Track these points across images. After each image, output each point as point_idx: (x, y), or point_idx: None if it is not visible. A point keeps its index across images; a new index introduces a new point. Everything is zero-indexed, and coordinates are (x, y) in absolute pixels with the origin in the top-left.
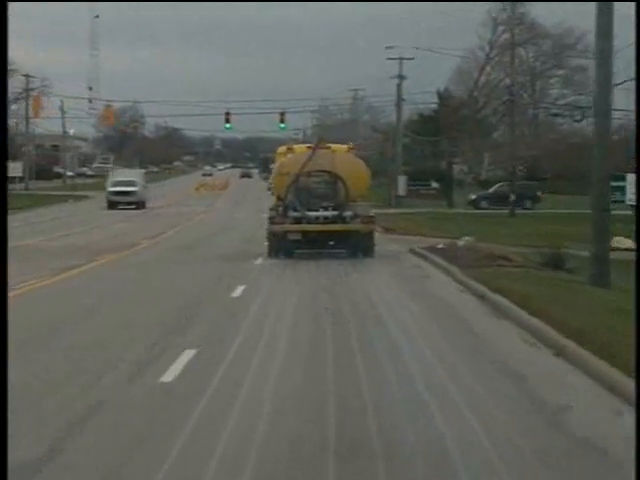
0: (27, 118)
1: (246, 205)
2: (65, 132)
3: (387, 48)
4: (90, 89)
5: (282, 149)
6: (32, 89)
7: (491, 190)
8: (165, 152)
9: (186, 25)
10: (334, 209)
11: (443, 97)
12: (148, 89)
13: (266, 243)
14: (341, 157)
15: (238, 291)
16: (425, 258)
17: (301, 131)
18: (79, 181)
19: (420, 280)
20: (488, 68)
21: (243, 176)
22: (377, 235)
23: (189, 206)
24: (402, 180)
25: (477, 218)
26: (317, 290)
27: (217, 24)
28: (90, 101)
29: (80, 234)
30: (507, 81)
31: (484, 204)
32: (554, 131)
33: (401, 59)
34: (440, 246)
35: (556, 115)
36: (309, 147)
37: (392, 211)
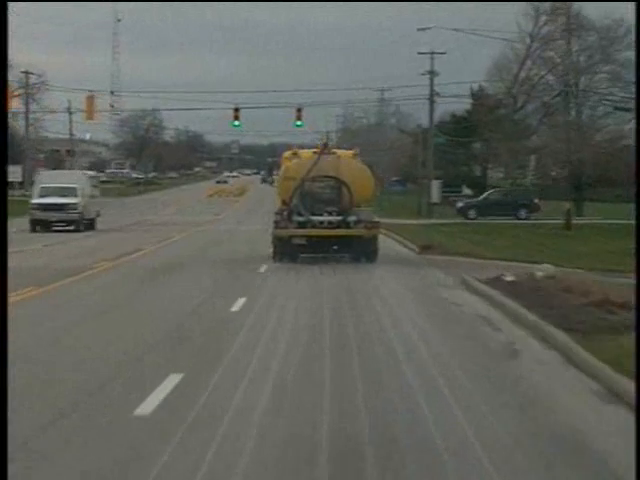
0: (27, 118)
1: (258, 214)
2: (72, 135)
3: (419, 30)
4: (112, 93)
5: (288, 154)
6: (35, 84)
7: (481, 197)
8: (185, 158)
9: (202, 29)
10: (338, 214)
11: (477, 96)
12: (167, 94)
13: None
14: (346, 163)
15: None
16: (492, 301)
17: (325, 135)
18: (101, 186)
19: (504, 364)
20: (529, 62)
21: (264, 181)
22: (414, 257)
23: (195, 215)
24: (436, 185)
25: (529, 230)
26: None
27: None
28: (112, 106)
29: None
30: (549, 77)
31: (472, 213)
32: (599, 132)
33: (432, 53)
34: (509, 278)
35: (621, 109)
36: (314, 152)
37: (424, 222)
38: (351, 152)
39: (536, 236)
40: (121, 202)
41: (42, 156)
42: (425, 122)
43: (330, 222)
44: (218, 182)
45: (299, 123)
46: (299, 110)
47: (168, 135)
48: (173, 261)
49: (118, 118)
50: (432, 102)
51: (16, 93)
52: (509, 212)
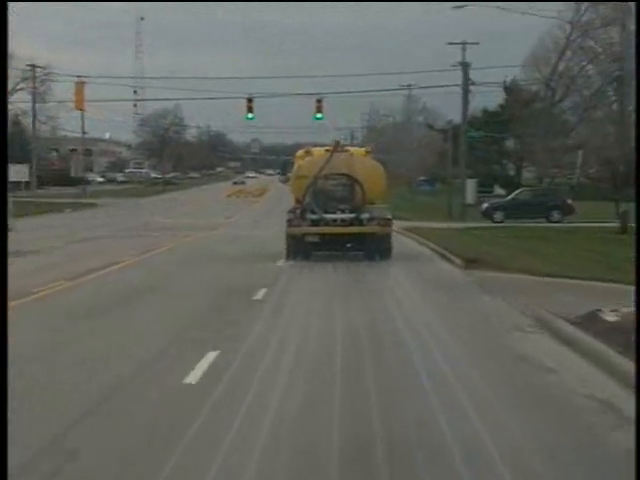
0: (34, 115)
1: (275, 216)
2: (84, 132)
3: (455, 8)
4: (135, 92)
5: (301, 152)
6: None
7: (508, 198)
8: (207, 158)
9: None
10: (351, 211)
11: (511, 90)
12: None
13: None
14: (359, 160)
15: None
16: (601, 363)
17: (349, 133)
18: (109, 187)
19: None
20: (569, 53)
21: (287, 181)
22: (460, 276)
23: (208, 217)
24: (471, 185)
25: (573, 234)
26: None
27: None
28: (135, 105)
29: None
30: (589, 68)
31: (498, 215)
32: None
33: (464, 44)
34: (611, 317)
35: None
36: (327, 150)
37: (457, 225)
38: (364, 150)
39: (589, 242)
40: (135, 203)
41: (55, 155)
42: (456, 118)
43: (343, 220)
44: (235, 183)
45: (319, 116)
46: (319, 101)
47: (190, 135)
48: (132, 287)
49: (139, 117)
50: (466, 92)
51: (20, 86)
52: (540, 214)
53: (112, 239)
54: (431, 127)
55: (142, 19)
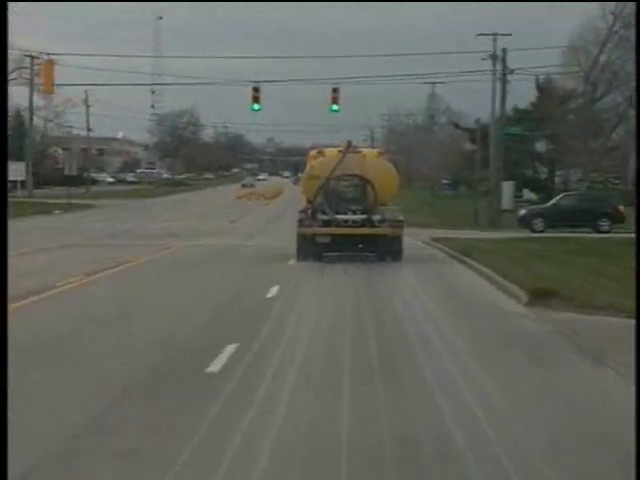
0: (31, 109)
1: (283, 222)
2: (89, 129)
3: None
4: (153, 93)
5: (313, 153)
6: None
7: (549, 204)
8: (224, 158)
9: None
10: (363, 212)
11: (544, 87)
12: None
13: None
14: (371, 161)
15: None
16: None
17: (369, 135)
18: (118, 188)
19: None
20: (610, 45)
21: (297, 182)
22: (526, 321)
23: (209, 220)
24: (508, 188)
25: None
26: None
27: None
28: (152, 106)
29: None
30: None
31: (538, 224)
32: None
33: (495, 35)
34: None
35: None
36: (339, 151)
37: (493, 235)
38: (376, 150)
39: None
40: (138, 204)
41: (61, 153)
42: (482, 117)
43: (354, 221)
44: (244, 186)
45: (335, 107)
46: (335, 91)
47: (207, 135)
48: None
49: (155, 117)
50: (504, 82)
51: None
52: (586, 222)
53: (76, 249)
54: (457, 126)
55: (160, 18)
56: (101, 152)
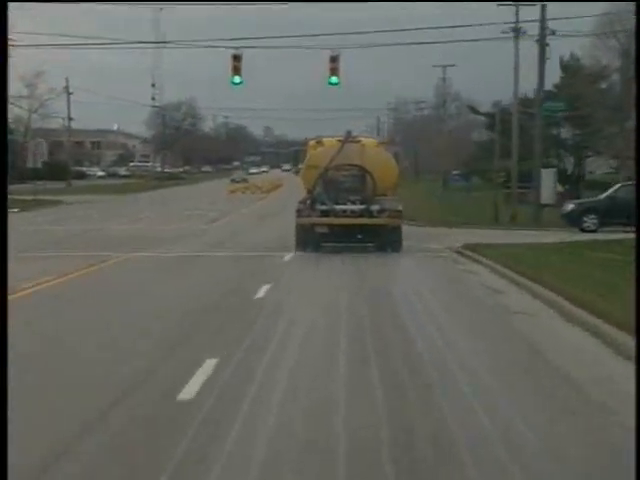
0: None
1: (278, 218)
2: (70, 119)
3: None
4: (153, 86)
5: (312, 142)
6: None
7: (602, 197)
8: (225, 151)
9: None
10: (361, 203)
11: (569, 67)
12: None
13: None
14: (370, 151)
15: None
16: None
17: (375, 126)
18: (107, 182)
19: None
20: None
21: (298, 172)
22: None
23: (190, 218)
24: (549, 177)
25: None
26: None
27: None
28: (153, 98)
29: None
30: None
31: (590, 222)
32: None
33: (517, 2)
34: None
35: None
36: (339, 140)
37: (541, 240)
38: (375, 140)
39: None
40: (123, 199)
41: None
42: (505, 99)
43: (353, 211)
44: (234, 181)
45: (334, 80)
46: (333, 60)
47: (207, 127)
48: None
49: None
50: (543, 46)
51: None
52: None
53: None
54: (474, 110)
55: (161, 9)
56: (96, 145)
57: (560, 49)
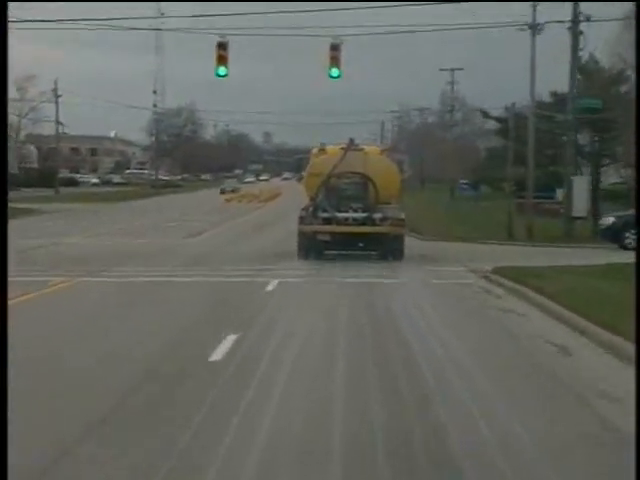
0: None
1: (265, 234)
2: (59, 123)
3: None
4: (154, 93)
5: (315, 150)
6: None
7: None
8: (226, 159)
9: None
10: (364, 211)
11: (587, 69)
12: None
13: None
14: (373, 159)
15: None
16: None
17: (378, 134)
18: (100, 189)
19: None
20: None
21: (301, 180)
22: None
23: (167, 234)
24: (582, 185)
25: None
26: None
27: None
28: (154, 105)
29: None
30: None
31: (632, 237)
32: None
33: None
34: None
35: None
36: (341, 148)
37: (587, 261)
38: (378, 148)
39: None
40: (106, 208)
41: (35, 151)
42: (522, 100)
43: (355, 219)
44: (223, 192)
45: (335, 72)
46: (334, 48)
47: (209, 134)
48: None
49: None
50: (576, 35)
51: None
52: None
53: None
54: (486, 115)
55: (162, 14)
56: (93, 151)
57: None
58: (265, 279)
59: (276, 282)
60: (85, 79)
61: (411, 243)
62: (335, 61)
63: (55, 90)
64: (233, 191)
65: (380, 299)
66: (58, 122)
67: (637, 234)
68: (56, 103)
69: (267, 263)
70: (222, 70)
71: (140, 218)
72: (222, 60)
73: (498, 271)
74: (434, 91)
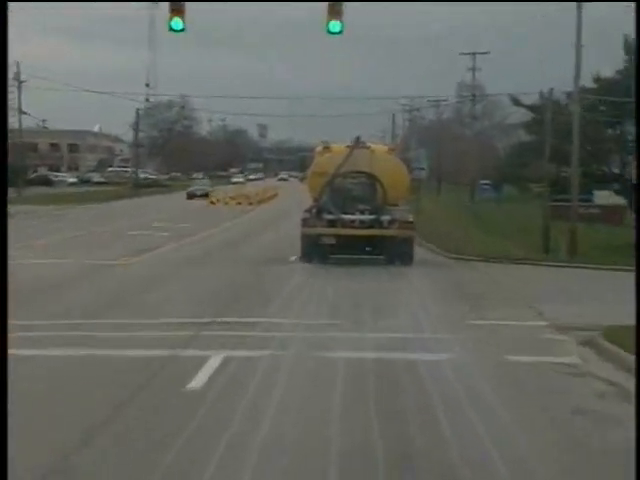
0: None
1: (261, 241)
2: (22, 112)
3: None
4: (147, 86)
5: (319, 148)
6: None
7: None
8: (223, 156)
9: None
10: (371, 212)
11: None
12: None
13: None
14: (380, 158)
15: None
16: None
17: (388, 130)
18: (76, 189)
19: None
20: None
21: (304, 179)
22: None
23: (109, 249)
24: None
25: None
26: None
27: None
28: (147, 99)
29: None
30: None
31: None
32: None
33: None
34: None
35: None
36: (347, 146)
37: None
38: (386, 147)
39: None
40: (61, 212)
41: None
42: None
43: (362, 221)
44: (190, 196)
45: (335, 26)
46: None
47: (204, 130)
48: None
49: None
50: None
51: None
52: None
53: None
54: (517, 102)
55: (156, 2)
56: (74, 148)
57: (626, 26)
58: (201, 352)
59: (219, 360)
60: (74, 71)
61: (435, 259)
62: (335, 14)
63: (18, 74)
64: (205, 196)
65: (427, 428)
66: (22, 112)
67: (637, 232)
68: (19, 88)
69: (224, 308)
70: (177, 23)
71: (103, 224)
72: (177, 12)
73: (613, 335)
74: (451, 84)
